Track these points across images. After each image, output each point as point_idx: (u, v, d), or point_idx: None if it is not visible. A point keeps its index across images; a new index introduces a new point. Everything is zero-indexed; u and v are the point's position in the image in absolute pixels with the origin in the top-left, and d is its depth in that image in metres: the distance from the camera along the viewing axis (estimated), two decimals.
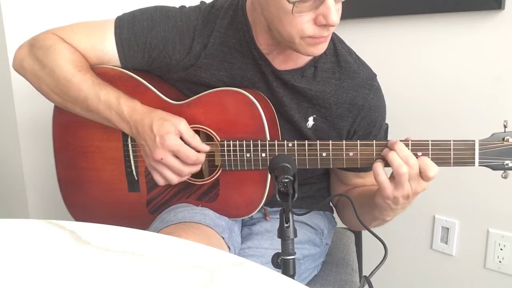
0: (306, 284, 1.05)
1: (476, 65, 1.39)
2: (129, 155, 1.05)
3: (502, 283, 1.44)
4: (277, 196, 0.70)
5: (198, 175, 0.99)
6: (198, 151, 0.95)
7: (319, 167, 0.93)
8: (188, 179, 0.99)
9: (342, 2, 0.85)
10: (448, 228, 1.53)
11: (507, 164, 0.86)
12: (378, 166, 0.87)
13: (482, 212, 1.45)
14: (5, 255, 0.62)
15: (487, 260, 1.46)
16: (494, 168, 0.87)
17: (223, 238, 0.95)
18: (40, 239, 0.66)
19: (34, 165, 1.48)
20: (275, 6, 0.85)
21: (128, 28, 0.99)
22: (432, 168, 0.84)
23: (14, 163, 1.50)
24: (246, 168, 0.96)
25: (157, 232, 0.92)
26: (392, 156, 0.85)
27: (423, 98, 1.50)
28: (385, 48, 1.55)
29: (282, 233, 0.68)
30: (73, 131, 1.09)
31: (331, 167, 0.93)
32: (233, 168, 0.96)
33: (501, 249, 1.42)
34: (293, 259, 0.68)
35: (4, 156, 1.55)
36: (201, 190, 1.02)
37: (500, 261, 1.44)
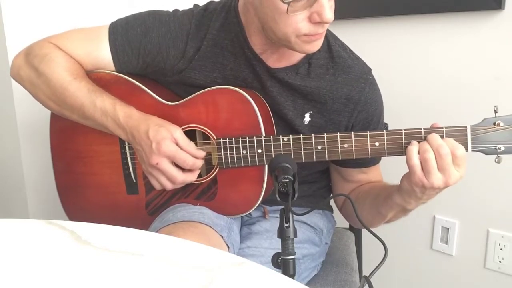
0: (306, 284, 1.05)
1: (476, 65, 1.38)
2: (127, 157, 1.05)
3: (502, 283, 1.44)
4: (277, 196, 0.70)
5: None
6: (195, 158, 0.95)
7: (315, 160, 0.93)
8: None
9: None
10: (448, 228, 1.53)
11: (499, 148, 0.86)
12: (412, 149, 0.84)
13: (482, 212, 1.44)
14: (5, 255, 0.62)
15: (487, 260, 1.46)
16: (486, 152, 0.87)
17: (222, 236, 0.95)
18: (40, 239, 0.66)
19: (34, 165, 1.48)
20: (269, 7, 0.85)
21: (122, 34, 1.00)
22: (458, 148, 0.82)
23: (14, 163, 1.50)
24: (243, 164, 0.96)
25: (156, 232, 0.93)
26: (422, 142, 0.84)
27: (424, 97, 1.49)
28: (385, 48, 1.55)
29: (282, 233, 0.68)
30: (70, 136, 1.09)
31: (326, 159, 0.93)
32: (230, 166, 0.97)
33: (501, 249, 1.42)
34: (293, 259, 0.68)
35: (4, 156, 1.55)
36: (199, 189, 1.02)
37: (500, 261, 1.44)
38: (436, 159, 0.82)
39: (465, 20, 1.38)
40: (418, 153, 0.84)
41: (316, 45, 0.90)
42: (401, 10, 1.48)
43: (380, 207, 0.97)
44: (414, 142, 0.85)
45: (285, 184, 0.70)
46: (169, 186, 0.95)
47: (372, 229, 0.76)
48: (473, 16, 1.36)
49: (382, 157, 1.03)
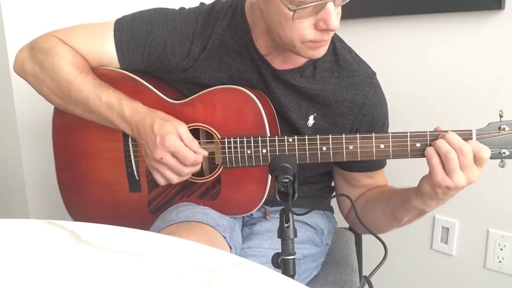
0: (306, 284, 1.05)
1: (476, 65, 1.38)
2: (130, 155, 1.05)
3: (502, 283, 1.44)
4: (277, 196, 0.70)
5: (198, 173, 1.00)
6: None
7: (319, 161, 0.93)
8: (189, 177, 0.99)
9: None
10: (448, 228, 1.53)
11: (504, 153, 0.86)
12: (431, 149, 0.84)
13: (482, 212, 1.45)
14: (5, 255, 0.62)
15: (487, 260, 1.46)
16: (491, 157, 0.86)
17: (224, 237, 0.95)
18: (40, 239, 0.66)
19: (34, 165, 1.48)
20: (275, 12, 0.85)
21: (127, 31, 0.99)
22: (484, 150, 0.82)
23: (14, 163, 1.50)
24: (247, 164, 0.96)
25: (158, 232, 0.93)
26: (440, 142, 0.83)
27: (424, 98, 1.50)
28: (385, 48, 1.55)
29: (282, 233, 0.68)
30: (72, 133, 1.09)
31: (331, 161, 0.93)
32: (234, 165, 0.97)
33: (501, 249, 1.42)
34: (293, 259, 0.68)
35: (4, 156, 1.55)
36: (202, 189, 1.02)
37: (500, 261, 1.44)
38: (458, 157, 0.81)
39: (465, 20, 1.38)
40: (438, 154, 0.83)
41: (321, 51, 0.90)
42: (401, 10, 1.48)
43: (395, 211, 0.96)
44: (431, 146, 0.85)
45: (285, 184, 0.70)
46: (174, 179, 0.95)
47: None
48: (473, 16, 1.36)
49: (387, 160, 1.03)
